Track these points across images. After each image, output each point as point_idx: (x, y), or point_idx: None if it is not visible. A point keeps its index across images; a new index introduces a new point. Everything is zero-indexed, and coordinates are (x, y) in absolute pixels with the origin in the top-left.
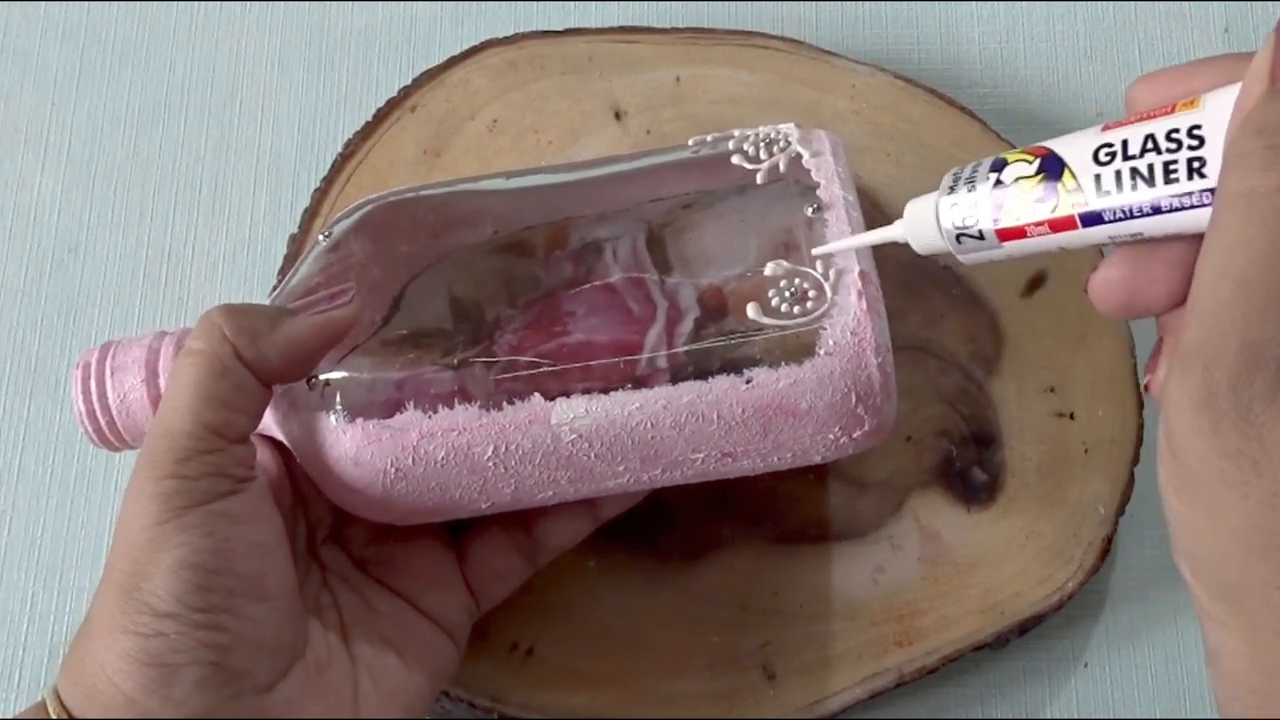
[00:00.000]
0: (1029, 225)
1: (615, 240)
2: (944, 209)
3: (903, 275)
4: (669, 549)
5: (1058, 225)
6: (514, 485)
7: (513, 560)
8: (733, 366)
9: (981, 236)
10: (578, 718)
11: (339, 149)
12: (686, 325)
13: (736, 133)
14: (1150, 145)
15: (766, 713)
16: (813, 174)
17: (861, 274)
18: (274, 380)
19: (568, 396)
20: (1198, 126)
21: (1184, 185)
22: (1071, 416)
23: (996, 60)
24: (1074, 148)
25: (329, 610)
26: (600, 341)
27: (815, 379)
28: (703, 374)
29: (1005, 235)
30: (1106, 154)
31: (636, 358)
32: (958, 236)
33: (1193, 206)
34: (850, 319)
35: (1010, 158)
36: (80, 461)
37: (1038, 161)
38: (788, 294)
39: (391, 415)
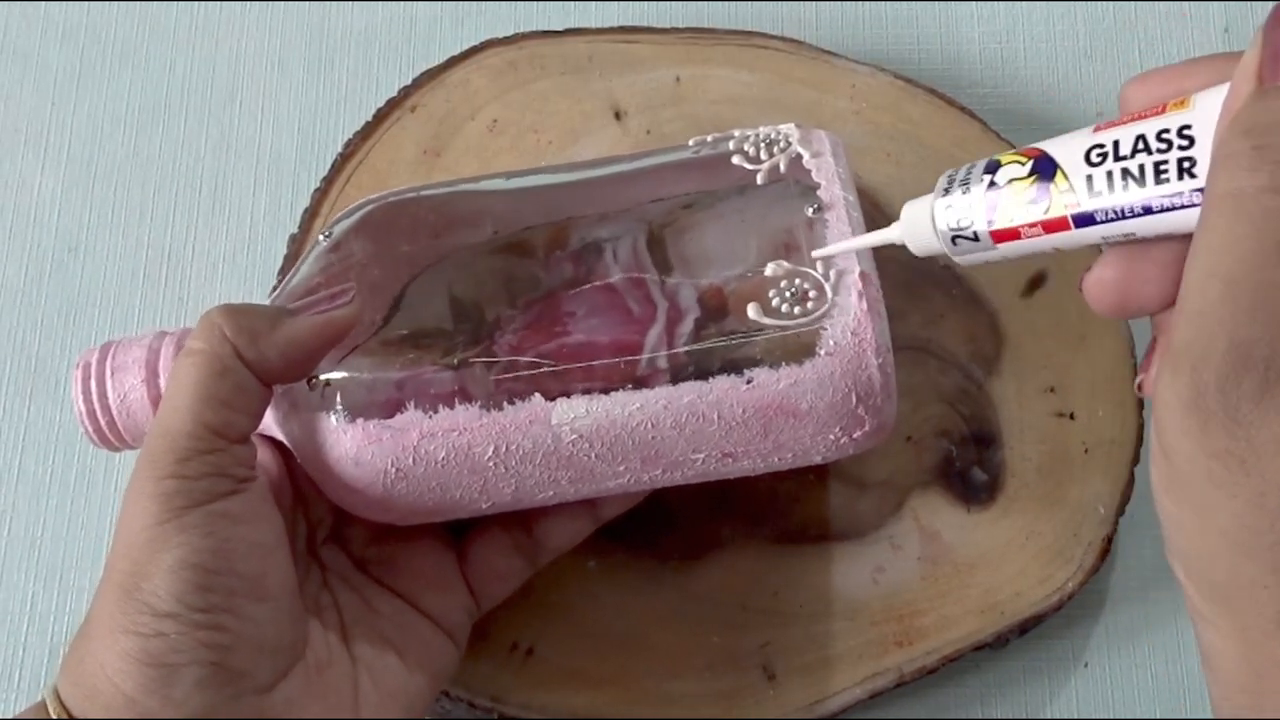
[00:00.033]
0: (1022, 226)
1: (615, 240)
2: (939, 211)
3: (903, 275)
4: (669, 549)
5: (1051, 226)
6: (514, 485)
7: (513, 560)
8: (733, 367)
9: (976, 238)
10: (578, 718)
11: (339, 149)
12: (687, 325)
13: (737, 133)
14: (1141, 146)
15: (766, 713)
16: (813, 174)
17: (862, 274)
18: (274, 380)
19: (568, 397)
20: (1188, 126)
21: (1174, 185)
22: (1071, 416)
23: (996, 60)
24: (1066, 149)
25: (329, 610)
26: (601, 342)
27: (816, 379)
28: (703, 374)
29: (999, 237)
30: (1098, 155)
31: (637, 358)
32: (953, 238)
33: (1183, 206)
34: (851, 319)
35: (1004, 159)
36: (80, 461)
37: (1031, 163)
38: (788, 294)
39: (392, 415)
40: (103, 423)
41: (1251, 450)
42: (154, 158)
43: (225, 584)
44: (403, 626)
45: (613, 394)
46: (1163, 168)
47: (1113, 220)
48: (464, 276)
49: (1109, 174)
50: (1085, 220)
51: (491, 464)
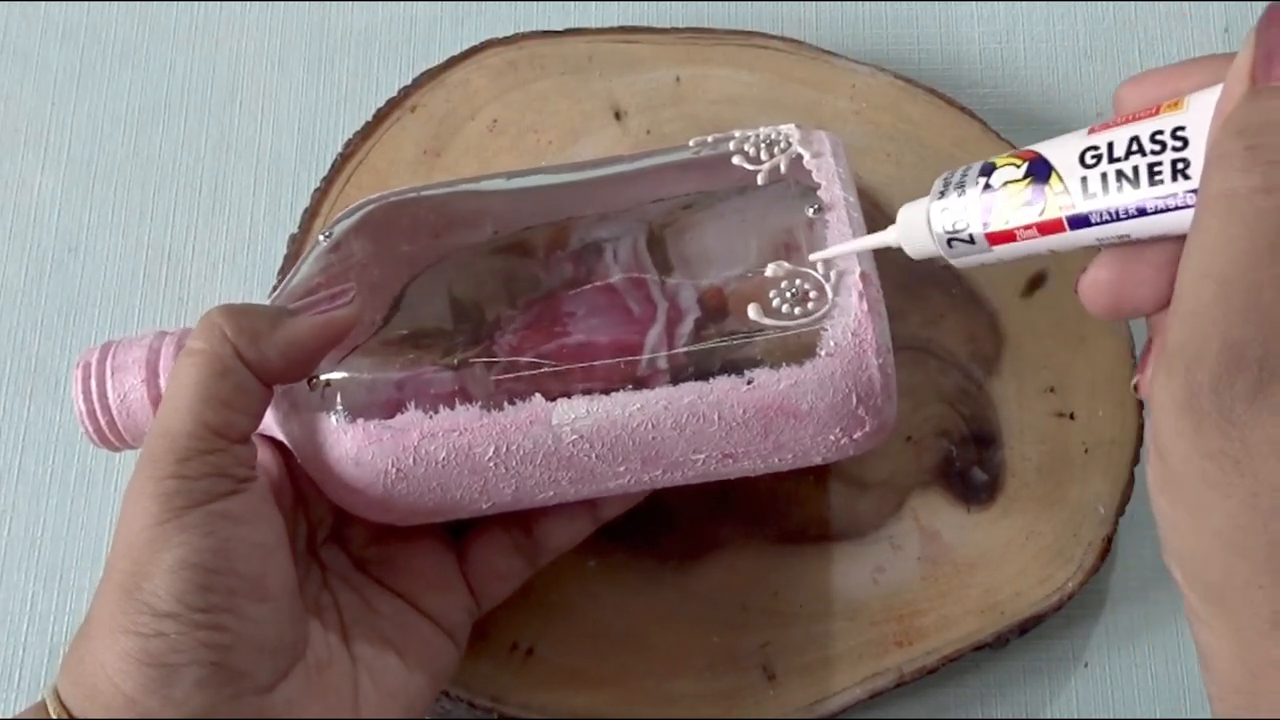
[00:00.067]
0: (1018, 229)
1: (616, 241)
2: (934, 214)
3: (903, 275)
4: (669, 549)
5: (1046, 228)
6: (515, 485)
7: (513, 561)
8: (734, 367)
9: (972, 240)
10: (578, 718)
11: (339, 149)
12: (687, 326)
13: (737, 133)
14: (1135, 147)
15: (766, 713)
16: (813, 175)
17: (862, 275)
18: (275, 380)
19: (568, 397)
20: (1181, 128)
21: (1168, 187)
22: (1071, 416)
23: (996, 60)
24: (1061, 151)
25: (329, 610)
26: (601, 342)
27: (816, 380)
28: (703, 375)
29: (995, 239)
30: (1092, 156)
31: (637, 358)
32: (949, 241)
33: (1177, 208)
34: (851, 320)
35: (999, 162)
36: (80, 461)
37: (1025, 165)
38: (789, 295)
39: (392, 415)
40: (103, 422)
41: (1245, 450)
42: (154, 158)
43: (225, 584)
44: (403, 626)
45: (613, 394)
46: (1157, 169)
47: (1107, 222)
48: (464, 276)
49: (1103, 176)
50: (1080, 222)
51: (492, 464)
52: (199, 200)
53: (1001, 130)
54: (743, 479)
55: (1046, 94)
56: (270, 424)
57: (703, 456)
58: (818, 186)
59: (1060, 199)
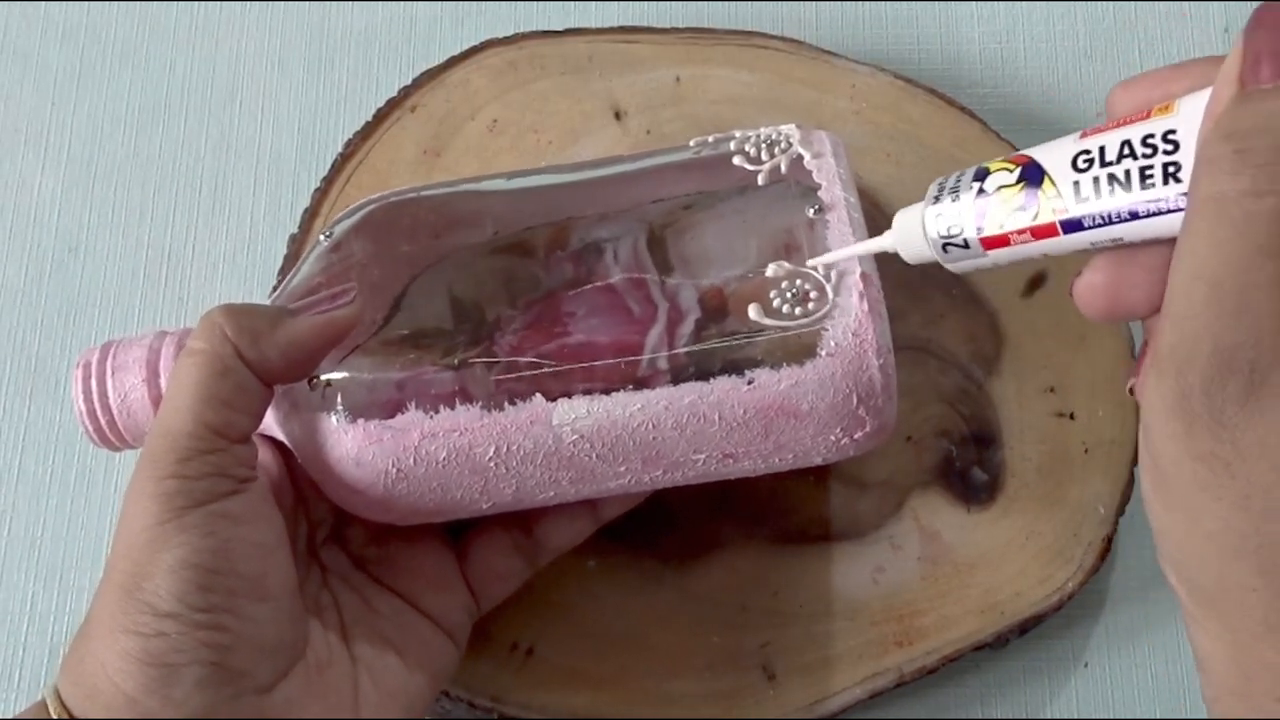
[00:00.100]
0: (1011, 233)
1: (616, 241)
2: (929, 219)
3: (903, 275)
4: (669, 549)
5: (1039, 232)
6: (515, 485)
7: (513, 561)
8: (734, 367)
9: (966, 245)
10: (578, 718)
11: (339, 149)
12: (687, 326)
13: (737, 133)
14: (1127, 151)
15: (766, 713)
16: (814, 175)
17: (863, 275)
18: (275, 380)
19: (569, 397)
20: (1172, 131)
21: (1160, 190)
22: (1071, 416)
23: (996, 60)
24: (1053, 155)
25: (329, 610)
26: (601, 342)
27: (817, 380)
28: (704, 375)
29: (989, 243)
30: (1085, 160)
31: (638, 359)
32: (944, 245)
33: (1169, 211)
34: (851, 320)
35: (992, 166)
36: (80, 461)
37: (1019, 170)
38: (789, 295)
39: (393, 415)
40: (103, 422)
41: (1236, 453)
42: (154, 158)
43: (226, 584)
44: (403, 626)
45: (614, 394)
46: (1148, 173)
47: (1100, 225)
48: (464, 277)
49: (1095, 180)
50: (1073, 226)
51: (492, 464)
52: (199, 200)
53: (1001, 130)
54: (743, 479)
55: (1046, 94)
56: (270, 424)
57: (703, 456)
58: (818, 187)
59: (1053, 203)
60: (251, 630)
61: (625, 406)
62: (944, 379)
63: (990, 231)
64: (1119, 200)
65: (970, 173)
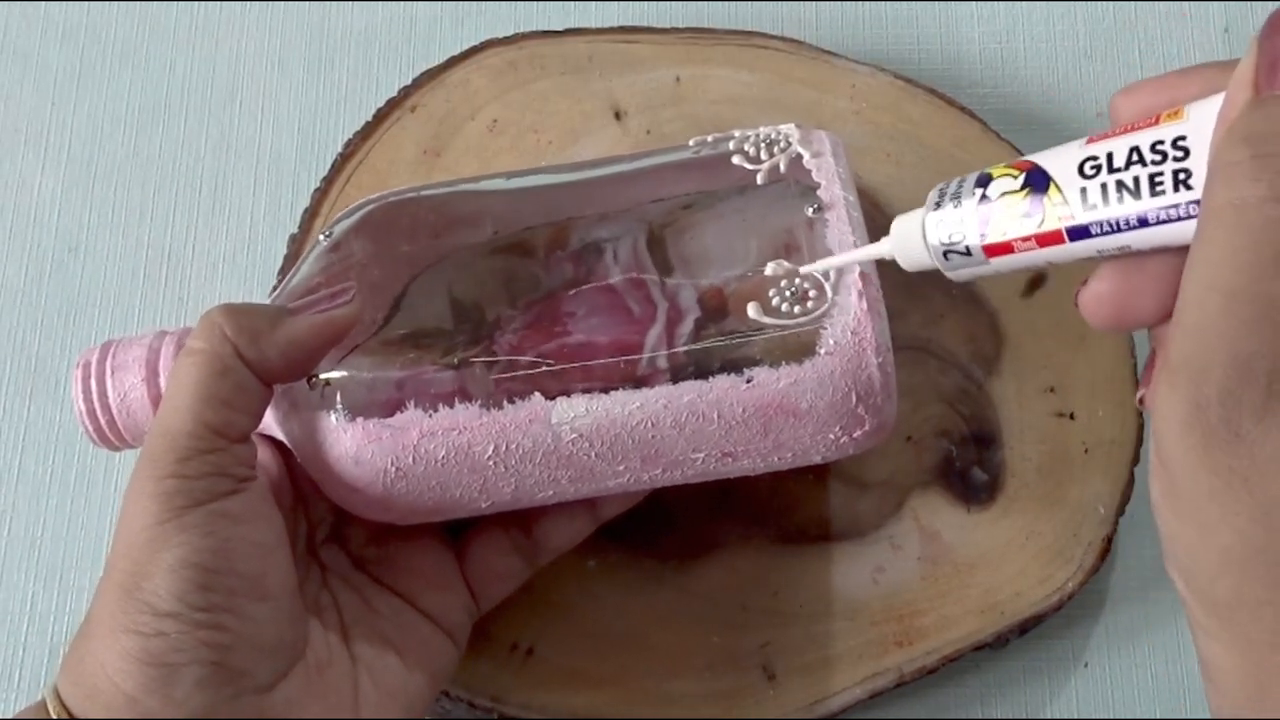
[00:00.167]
0: (1016, 240)
1: (615, 241)
2: (930, 226)
3: (903, 275)
4: (669, 549)
5: (1045, 240)
6: (514, 484)
7: (512, 560)
8: (733, 366)
9: (968, 253)
10: (578, 718)
11: (339, 149)
12: (687, 326)
13: (737, 133)
14: (1135, 158)
15: (766, 713)
16: (813, 174)
17: (862, 274)
18: (275, 379)
19: (568, 396)
20: (1182, 138)
21: (1170, 198)
22: (1071, 416)
23: (996, 60)
24: (1059, 161)
25: (329, 610)
26: (601, 342)
27: (816, 379)
28: (703, 373)
29: (992, 251)
30: (1092, 167)
31: (637, 358)
32: (945, 253)
33: (1179, 219)
34: (851, 319)
35: (995, 172)
36: (80, 461)
37: (1023, 176)
38: (788, 294)
39: (392, 414)
40: (103, 422)
41: (1254, 467)
42: (154, 158)
43: (226, 583)
44: (402, 626)
45: (613, 393)
46: (1158, 180)
47: (1108, 233)
48: (464, 276)
49: (1103, 186)
50: (1080, 233)
51: (491, 463)
52: (199, 200)
53: (1001, 130)
54: (743, 478)
55: (1046, 94)
56: (270, 423)
57: (702, 455)
58: (818, 186)
59: (1059, 210)
60: (251, 630)
61: (624, 405)
62: (944, 379)
63: (994, 239)
64: (1128, 207)
65: (972, 179)
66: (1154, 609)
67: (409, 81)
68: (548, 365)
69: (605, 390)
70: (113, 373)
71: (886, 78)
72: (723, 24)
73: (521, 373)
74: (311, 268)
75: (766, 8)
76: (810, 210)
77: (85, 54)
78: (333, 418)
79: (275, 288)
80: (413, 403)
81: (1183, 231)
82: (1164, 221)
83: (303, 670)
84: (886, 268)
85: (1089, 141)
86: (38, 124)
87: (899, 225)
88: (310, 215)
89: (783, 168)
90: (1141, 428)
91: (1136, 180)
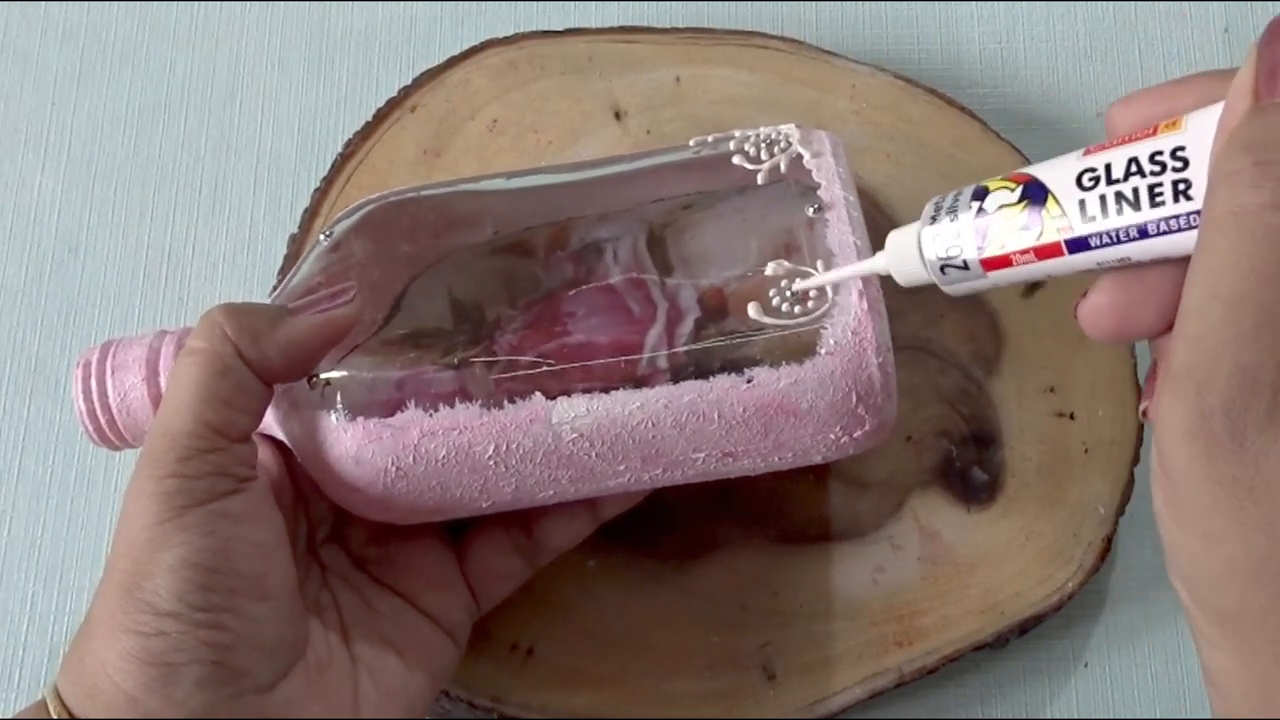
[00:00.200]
0: (1014, 253)
1: (616, 241)
2: (927, 240)
3: None
4: (669, 549)
5: (1043, 252)
6: (515, 484)
7: (513, 560)
8: (733, 366)
9: (966, 266)
10: (578, 718)
11: (339, 149)
12: (687, 326)
13: (737, 133)
14: (1134, 169)
15: (766, 713)
16: (814, 174)
17: None
18: (275, 379)
19: (568, 396)
20: (1181, 148)
21: (1170, 208)
22: (1071, 416)
23: (996, 60)
24: (1056, 173)
25: (329, 610)
26: (601, 342)
27: (816, 378)
28: (704, 373)
29: (990, 264)
30: (1090, 179)
31: (637, 357)
32: (942, 267)
33: (1180, 229)
34: (851, 319)
35: (991, 185)
36: (80, 461)
37: (1020, 189)
38: (789, 294)
39: (392, 414)
40: (103, 421)
41: (1259, 477)
42: (154, 158)
43: (226, 583)
44: (403, 626)
45: (613, 393)
46: (1158, 190)
47: (1108, 245)
48: (464, 276)
49: (1102, 198)
50: (1079, 245)
51: (492, 463)
52: (199, 200)
53: (1001, 130)
54: (743, 479)
55: (1046, 94)
56: (270, 423)
57: (703, 455)
58: (818, 186)
59: (1058, 222)
60: (252, 630)
61: (625, 405)
62: (944, 379)
63: (991, 252)
64: (1127, 219)
65: (968, 192)
66: (1154, 609)
67: (409, 81)
68: (548, 365)
69: (606, 390)
70: (113, 372)
71: (886, 78)
72: (723, 24)
73: (522, 373)
74: (312, 267)
75: (766, 8)
76: (811, 210)
77: (85, 54)
78: (333, 417)
79: (275, 288)
80: (413, 402)
81: (1183, 242)
82: (1164, 232)
83: (303, 670)
84: None
85: (1086, 153)
86: (38, 124)
87: (894, 240)
88: (310, 215)
89: (783, 168)
90: (1142, 427)
91: (1136, 191)
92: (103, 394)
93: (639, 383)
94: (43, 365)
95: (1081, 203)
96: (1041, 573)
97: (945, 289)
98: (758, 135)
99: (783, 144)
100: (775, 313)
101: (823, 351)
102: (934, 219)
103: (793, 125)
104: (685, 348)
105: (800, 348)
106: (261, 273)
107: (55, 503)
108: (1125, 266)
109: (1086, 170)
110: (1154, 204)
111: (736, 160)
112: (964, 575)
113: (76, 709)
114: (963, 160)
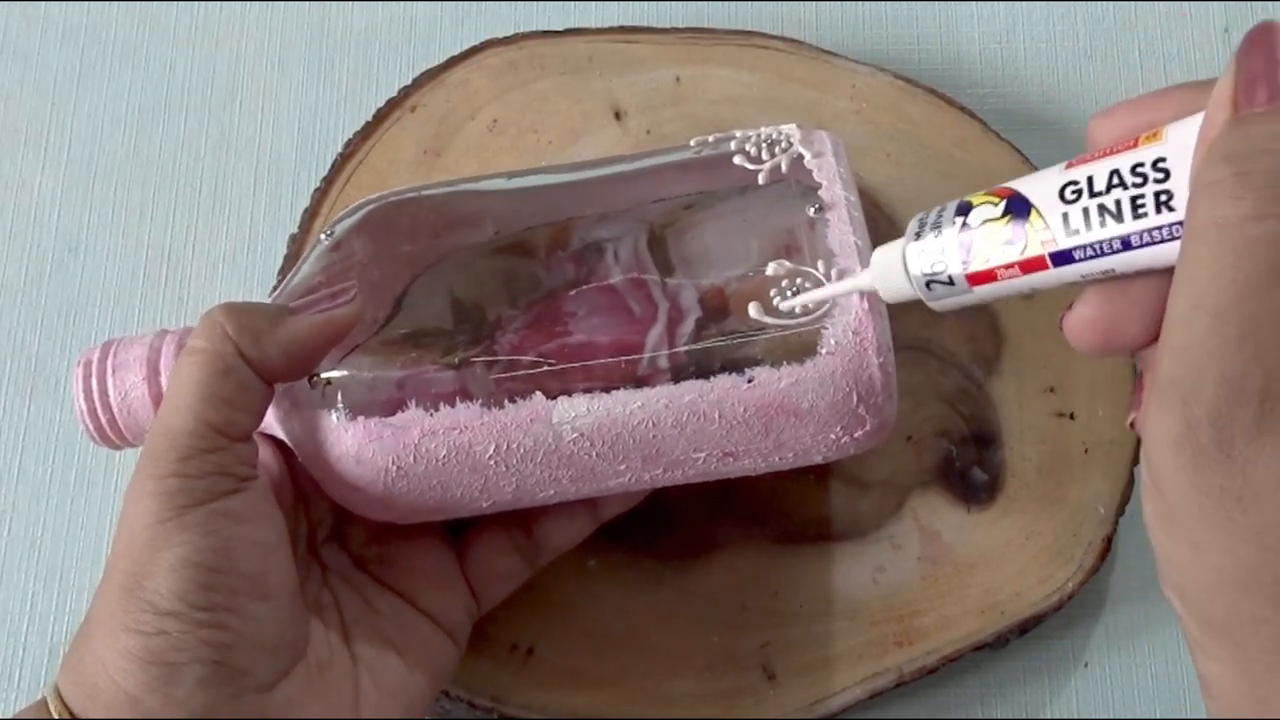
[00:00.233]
0: (999, 268)
1: (616, 241)
2: (911, 256)
3: None
4: (669, 549)
5: (1028, 266)
6: (515, 484)
7: (513, 560)
8: (734, 366)
9: (951, 282)
10: (578, 718)
11: (339, 149)
12: (688, 326)
13: (738, 133)
14: (1116, 181)
15: (766, 713)
16: (814, 174)
17: None
18: (276, 379)
19: (569, 396)
20: (1162, 160)
21: (1152, 220)
22: (1071, 416)
23: (996, 60)
24: (1039, 187)
25: (330, 610)
26: (601, 342)
27: (817, 378)
28: (704, 373)
29: (975, 279)
30: (1072, 192)
31: (638, 357)
32: (927, 283)
33: (1163, 240)
34: (851, 318)
35: (975, 200)
36: (80, 461)
37: (1003, 203)
38: (789, 294)
39: (393, 414)
40: (103, 421)
41: (1248, 487)
42: (154, 158)
43: (227, 583)
44: (403, 626)
45: (614, 393)
46: (1139, 202)
47: (1091, 258)
48: (465, 276)
49: (1085, 211)
50: (1063, 259)
51: (492, 462)
52: (199, 200)
53: (1001, 130)
54: (743, 479)
55: (1046, 94)
56: (271, 422)
57: (703, 455)
58: (818, 186)
59: (1041, 235)
60: (252, 629)
61: (625, 405)
62: (944, 379)
63: (976, 267)
64: (1110, 231)
65: (952, 207)
66: (1154, 609)
67: (409, 81)
68: (549, 365)
69: (606, 390)
70: (114, 371)
71: (886, 78)
72: (723, 24)
73: (522, 372)
74: (312, 267)
75: (766, 8)
76: (811, 210)
77: (85, 54)
78: (334, 417)
79: (275, 287)
80: (414, 402)
81: (1166, 253)
82: (1147, 244)
83: (304, 670)
84: None
85: (1068, 166)
86: (38, 124)
87: (879, 256)
88: (310, 215)
89: (784, 168)
90: None
91: (1118, 203)
92: (103, 393)
93: (640, 382)
94: (43, 365)
95: (1065, 216)
96: (1041, 573)
97: (931, 305)
98: (758, 135)
99: (783, 144)
100: (776, 313)
101: (823, 351)
102: (918, 235)
103: (793, 125)
104: (686, 348)
105: (801, 348)
106: (261, 273)
107: (55, 503)
108: (1110, 279)
109: (1069, 183)
110: (1136, 216)
111: (737, 160)
112: (964, 575)
113: (77, 709)
114: (963, 160)
